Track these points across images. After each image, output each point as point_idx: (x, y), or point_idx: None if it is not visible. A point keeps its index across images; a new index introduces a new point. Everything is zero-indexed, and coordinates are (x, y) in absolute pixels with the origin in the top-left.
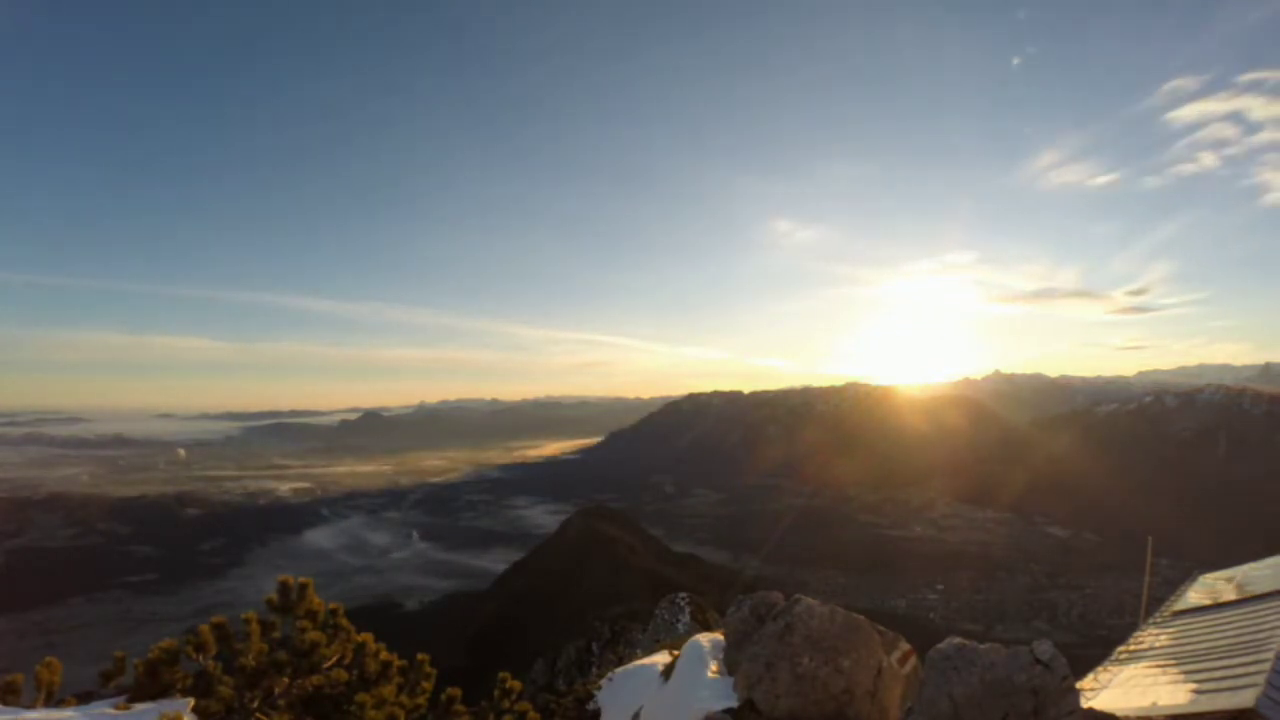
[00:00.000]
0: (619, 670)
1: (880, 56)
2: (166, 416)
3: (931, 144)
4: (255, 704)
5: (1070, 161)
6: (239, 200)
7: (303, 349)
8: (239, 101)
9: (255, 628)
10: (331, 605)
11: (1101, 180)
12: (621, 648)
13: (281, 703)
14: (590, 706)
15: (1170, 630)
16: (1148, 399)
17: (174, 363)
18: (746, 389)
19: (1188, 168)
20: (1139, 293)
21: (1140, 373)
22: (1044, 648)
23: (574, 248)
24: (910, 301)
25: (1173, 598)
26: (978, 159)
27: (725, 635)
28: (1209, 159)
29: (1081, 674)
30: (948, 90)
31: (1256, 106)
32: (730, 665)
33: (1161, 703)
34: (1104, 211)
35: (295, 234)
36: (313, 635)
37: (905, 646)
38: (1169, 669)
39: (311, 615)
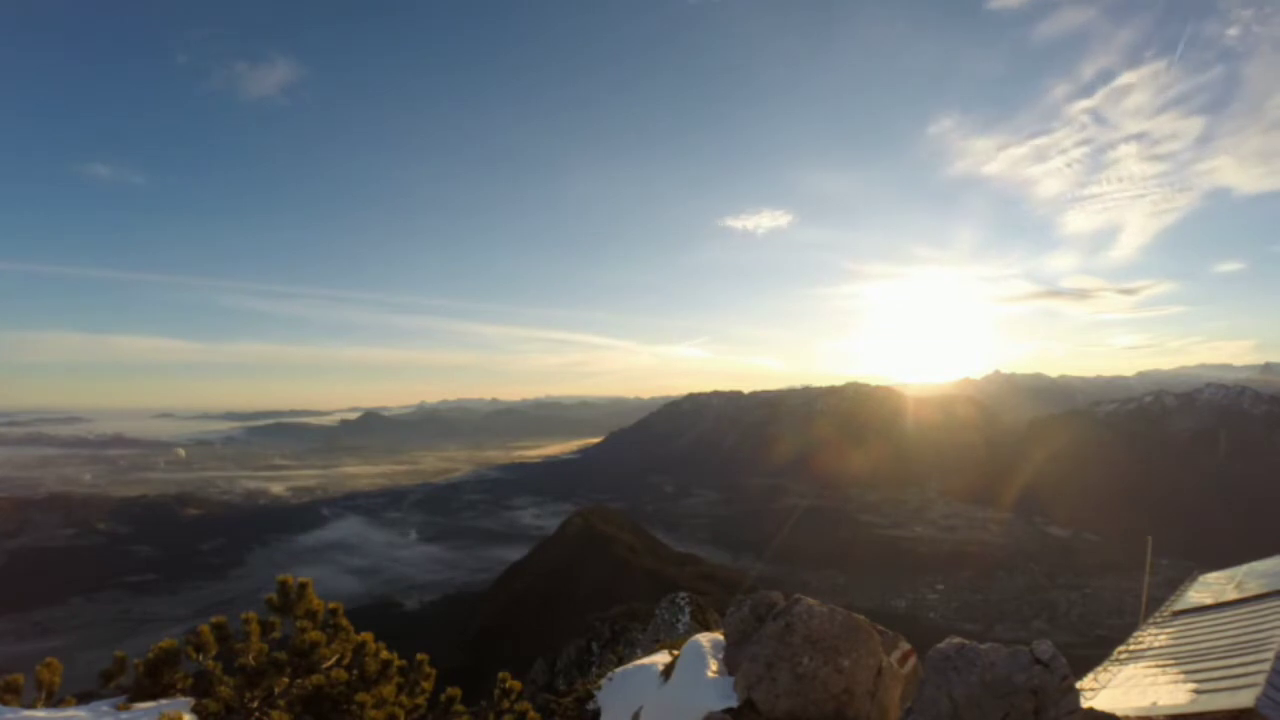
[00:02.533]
0: (619, 670)
1: (871, 55)
2: (166, 416)
3: (923, 142)
4: (255, 704)
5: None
6: (240, 201)
7: (303, 349)
8: (249, 100)
9: (255, 628)
10: (331, 605)
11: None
12: (621, 648)
13: (281, 703)
14: (590, 706)
15: (1170, 630)
16: (1148, 399)
17: (173, 363)
18: (745, 389)
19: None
20: (1139, 292)
21: (1140, 373)
22: (1044, 648)
23: (558, 246)
24: (908, 301)
25: (1173, 598)
26: (973, 159)
27: (725, 635)
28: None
29: (1081, 674)
30: (940, 83)
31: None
32: (730, 665)
33: (1161, 703)
34: (1102, 210)
35: (296, 235)
36: (312, 635)
37: (905, 646)
38: (1169, 669)
39: (311, 615)
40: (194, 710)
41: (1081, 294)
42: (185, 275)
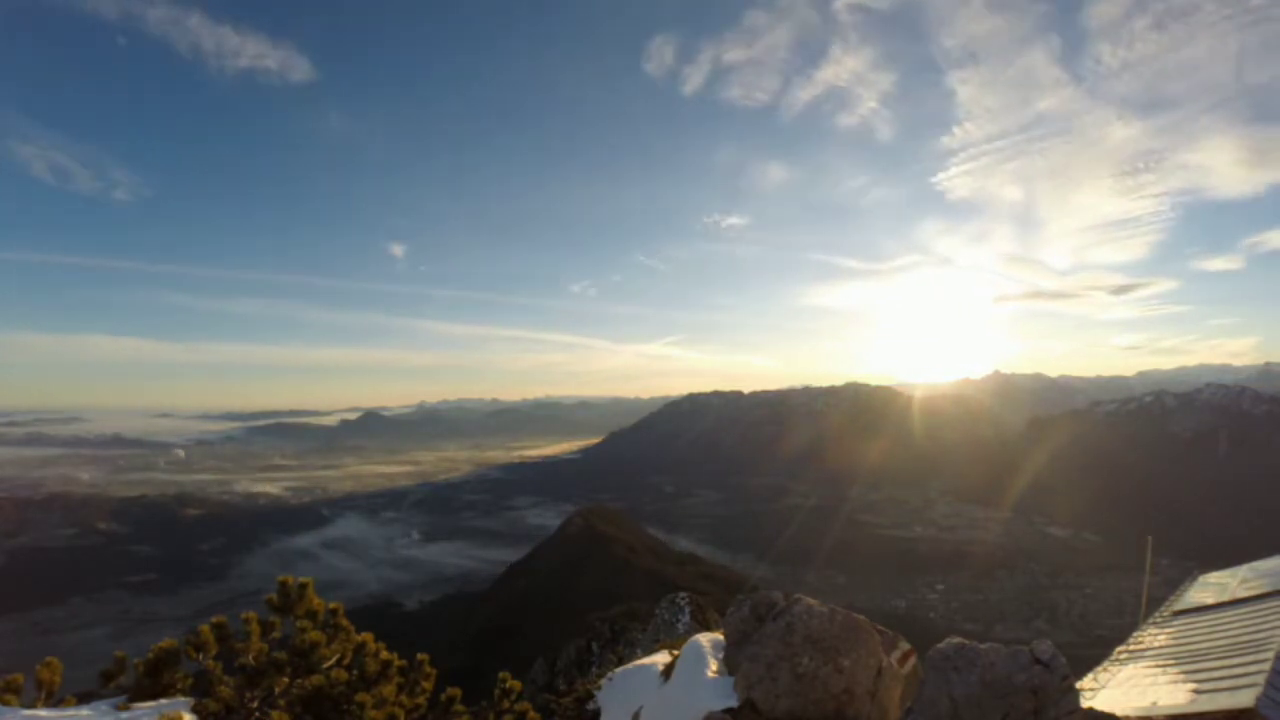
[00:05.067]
0: (619, 670)
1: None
2: (166, 416)
3: (916, 140)
4: (255, 704)
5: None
6: (241, 202)
7: (303, 349)
8: (249, 95)
9: (255, 628)
10: (331, 605)
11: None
12: (621, 648)
13: (281, 703)
14: (590, 706)
15: (1170, 630)
16: (1148, 399)
17: (173, 364)
18: (745, 389)
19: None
20: (1137, 289)
21: (1140, 373)
22: (1044, 648)
23: (555, 244)
24: (908, 301)
25: (1173, 598)
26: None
27: (725, 635)
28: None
29: (1081, 674)
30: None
31: None
32: (730, 665)
33: (1161, 703)
34: (1100, 209)
35: (298, 236)
36: (312, 635)
37: (905, 646)
38: (1169, 669)
39: (311, 615)
40: (194, 710)
41: (1082, 294)
42: (185, 274)
